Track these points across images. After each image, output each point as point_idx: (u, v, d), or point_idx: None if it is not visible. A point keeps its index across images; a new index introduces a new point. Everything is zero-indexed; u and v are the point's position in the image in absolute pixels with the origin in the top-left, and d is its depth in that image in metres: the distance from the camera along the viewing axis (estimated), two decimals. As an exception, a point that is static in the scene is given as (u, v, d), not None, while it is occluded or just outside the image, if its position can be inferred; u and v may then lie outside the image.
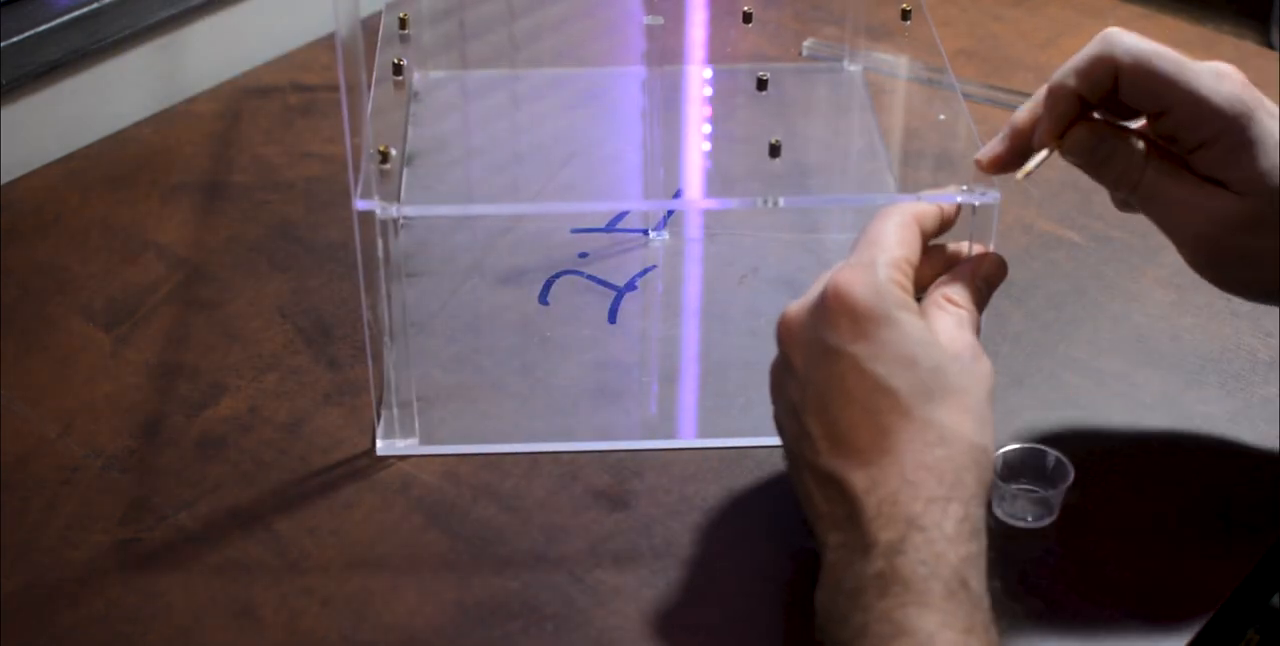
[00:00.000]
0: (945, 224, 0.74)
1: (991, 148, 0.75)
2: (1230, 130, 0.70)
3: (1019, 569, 0.73)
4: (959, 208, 0.74)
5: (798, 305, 0.70)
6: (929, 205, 0.73)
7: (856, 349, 0.66)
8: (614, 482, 0.79)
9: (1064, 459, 0.75)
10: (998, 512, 0.75)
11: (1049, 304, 0.90)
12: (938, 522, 0.64)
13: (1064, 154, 0.74)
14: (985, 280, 0.73)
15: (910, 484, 0.64)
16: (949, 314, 0.70)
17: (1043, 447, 0.76)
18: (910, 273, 0.70)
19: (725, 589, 0.73)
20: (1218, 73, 0.71)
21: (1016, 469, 0.76)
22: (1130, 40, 0.71)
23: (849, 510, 0.65)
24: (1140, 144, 0.73)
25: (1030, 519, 0.75)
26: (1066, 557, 0.74)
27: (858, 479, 0.65)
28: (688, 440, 0.81)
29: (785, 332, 0.70)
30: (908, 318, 0.67)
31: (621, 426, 0.82)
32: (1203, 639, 0.71)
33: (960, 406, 0.67)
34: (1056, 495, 0.75)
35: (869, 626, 0.62)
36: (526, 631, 0.71)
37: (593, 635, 0.71)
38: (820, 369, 0.67)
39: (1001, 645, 0.64)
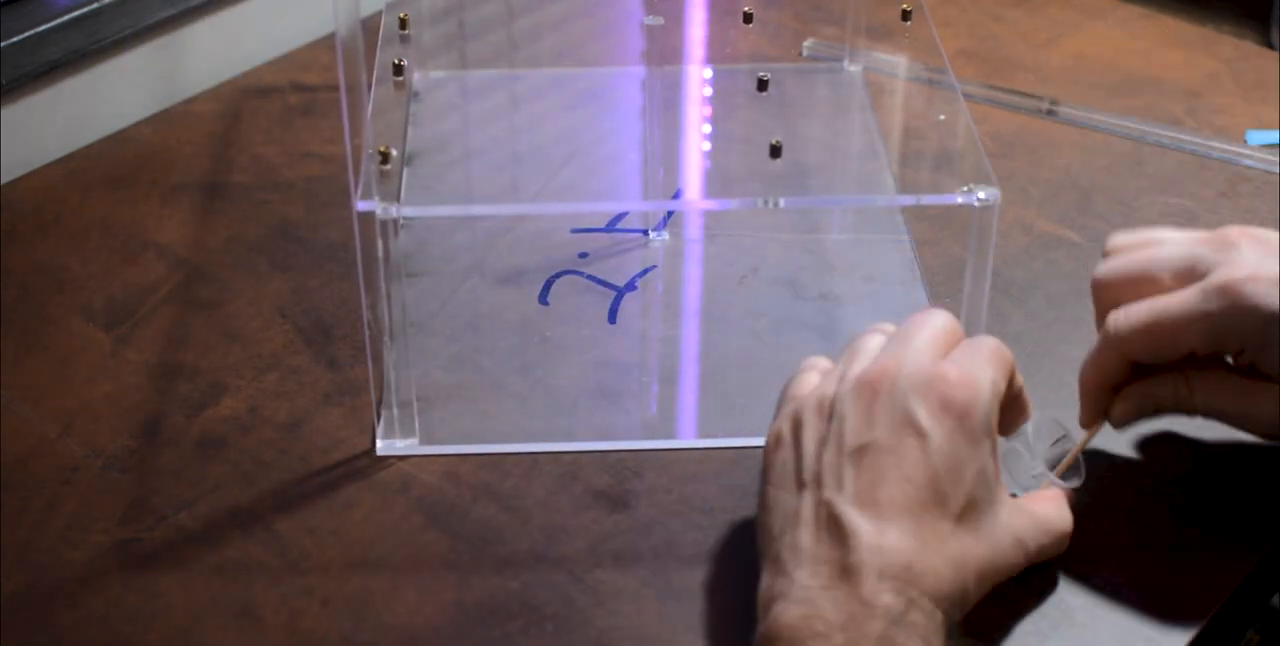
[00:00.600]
0: (1018, 410, 0.73)
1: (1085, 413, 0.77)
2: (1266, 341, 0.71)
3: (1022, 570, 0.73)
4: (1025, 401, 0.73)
5: (898, 356, 0.69)
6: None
7: (934, 434, 0.66)
8: (614, 482, 0.79)
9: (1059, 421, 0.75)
10: (1017, 480, 0.75)
11: (1049, 304, 0.90)
12: (930, 614, 0.64)
13: (1118, 428, 0.77)
14: (1048, 547, 0.72)
15: (916, 573, 0.64)
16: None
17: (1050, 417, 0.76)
18: (1002, 401, 0.70)
19: (725, 589, 0.73)
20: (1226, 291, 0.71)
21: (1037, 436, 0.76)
22: (1138, 343, 0.73)
23: (848, 562, 0.64)
24: (1177, 380, 0.75)
25: (1064, 478, 0.74)
26: (1067, 557, 0.74)
27: (871, 538, 0.64)
28: (688, 440, 0.81)
29: (876, 380, 0.68)
30: (988, 442, 0.67)
31: (621, 426, 0.82)
32: (1203, 639, 0.71)
33: (980, 548, 0.67)
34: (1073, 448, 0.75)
35: None
36: (526, 631, 0.71)
37: (593, 635, 0.71)
38: (891, 430, 0.66)
39: None
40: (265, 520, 0.76)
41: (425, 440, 0.80)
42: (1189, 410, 0.75)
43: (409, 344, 0.80)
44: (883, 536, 0.64)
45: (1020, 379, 0.71)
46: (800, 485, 0.68)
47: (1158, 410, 0.76)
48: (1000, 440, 0.71)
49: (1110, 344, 0.74)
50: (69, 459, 0.80)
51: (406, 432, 0.80)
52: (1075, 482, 0.74)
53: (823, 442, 0.68)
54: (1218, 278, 0.72)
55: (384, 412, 0.80)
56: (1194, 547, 0.75)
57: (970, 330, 0.77)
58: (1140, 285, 0.74)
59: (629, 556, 0.74)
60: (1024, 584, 0.73)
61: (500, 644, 0.70)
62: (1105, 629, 0.71)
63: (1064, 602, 0.72)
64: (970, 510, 0.66)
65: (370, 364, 0.78)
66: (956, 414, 0.66)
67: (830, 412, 0.69)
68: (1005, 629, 0.71)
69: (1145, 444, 0.80)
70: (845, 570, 0.64)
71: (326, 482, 0.78)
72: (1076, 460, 0.75)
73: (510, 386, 0.84)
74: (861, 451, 0.67)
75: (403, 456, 0.80)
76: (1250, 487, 0.78)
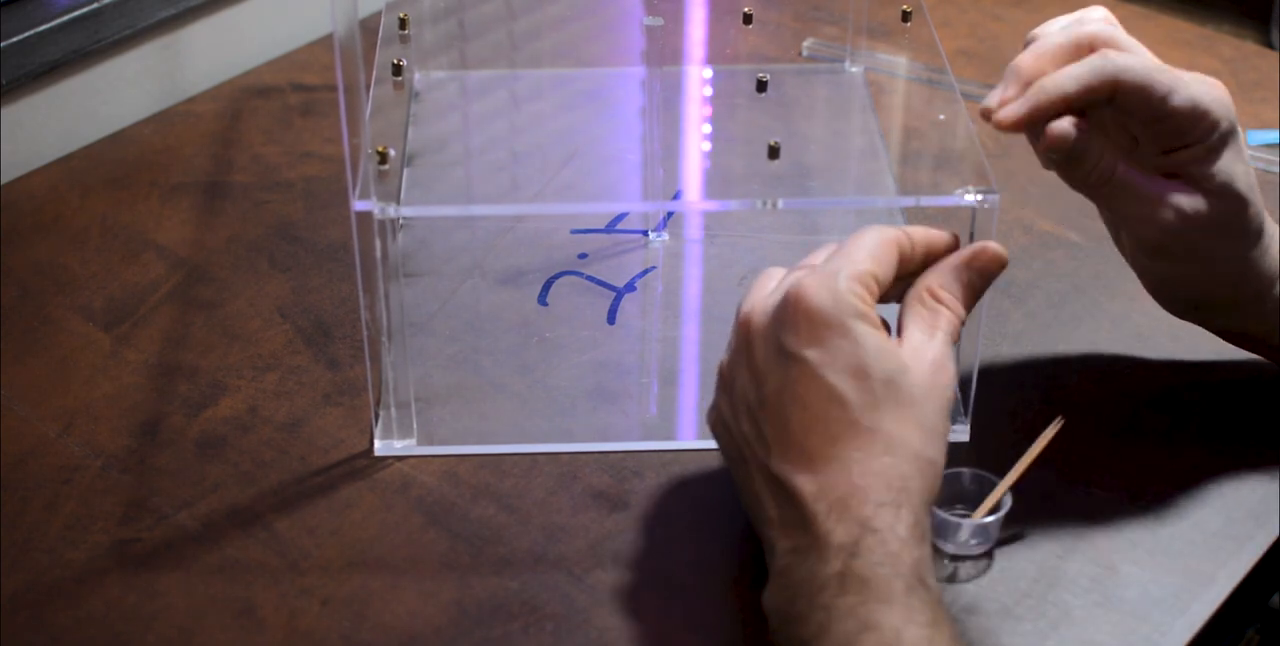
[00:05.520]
0: (932, 253, 0.73)
1: (999, 93, 0.74)
2: (1218, 129, 0.73)
3: (1021, 570, 0.73)
4: (955, 239, 0.73)
5: (760, 302, 0.70)
6: (916, 231, 0.72)
7: (811, 355, 0.67)
8: (614, 482, 0.79)
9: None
10: (933, 539, 0.73)
11: (1049, 303, 0.90)
12: (890, 525, 0.65)
13: (1045, 149, 0.73)
14: (979, 273, 0.72)
15: (858, 489, 0.66)
16: (923, 317, 0.70)
17: (985, 474, 0.75)
18: (875, 288, 0.70)
19: (725, 589, 0.73)
20: (1207, 81, 0.73)
21: (953, 494, 0.75)
22: (1130, 60, 0.72)
23: (799, 514, 0.66)
24: (1106, 143, 0.74)
25: (969, 544, 0.74)
26: (1067, 558, 0.74)
27: (806, 484, 0.66)
28: (687, 441, 0.81)
29: (745, 327, 0.70)
30: (863, 327, 0.68)
31: (621, 427, 0.82)
32: (1203, 639, 0.71)
33: (909, 418, 0.67)
34: (994, 524, 0.73)
35: (830, 624, 0.63)
36: (526, 631, 0.71)
37: (593, 635, 0.71)
38: (776, 371, 0.68)
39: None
40: (265, 520, 0.76)
41: (424, 440, 0.80)
42: (1104, 176, 0.74)
43: (408, 344, 0.80)
44: (818, 476, 0.66)
45: (918, 250, 0.71)
46: (743, 461, 0.70)
47: (1083, 153, 0.73)
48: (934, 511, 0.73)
49: (1108, 71, 0.72)
50: (69, 459, 0.80)
51: (405, 433, 0.80)
52: (999, 515, 0.73)
53: (736, 413, 0.71)
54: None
55: (382, 413, 0.80)
56: (1194, 547, 0.75)
57: (968, 330, 0.77)
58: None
59: (629, 556, 0.74)
60: (1024, 582, 0.73)
61: (500, 644, 0.70)
62: (1105, 629, 0.71)
63: (1064, 602, 0.72)
64: (890, 387, 0.67)
65: (368, 364, 0.78)
66: (819, 320, 0.67)
67: (731, 381, 0.71)
68: (1006, 629, 0.71)
69: (1145, 444, 0.80)
70: (803, 523, 0.66)
71: (326, 482, 0.79)
72: (1001, 496, 0.74)
73: (509, 387, 0.84)
74: (763, 405, 0.69)
75: (402, 456, 0.80)
76: (1250, 487, 0.78)
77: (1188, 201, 0.74)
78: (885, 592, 0.63)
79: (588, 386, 0.84)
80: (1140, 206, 0.74)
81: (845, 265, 0.69)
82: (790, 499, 0.67)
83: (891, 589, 0.63)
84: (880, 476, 0.66)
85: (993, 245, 0.72)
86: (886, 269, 0.70)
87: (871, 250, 0.70)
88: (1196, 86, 0.72)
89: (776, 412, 0.68)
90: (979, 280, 0.72)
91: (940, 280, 0.71)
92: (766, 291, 0.71)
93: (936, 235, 0.73)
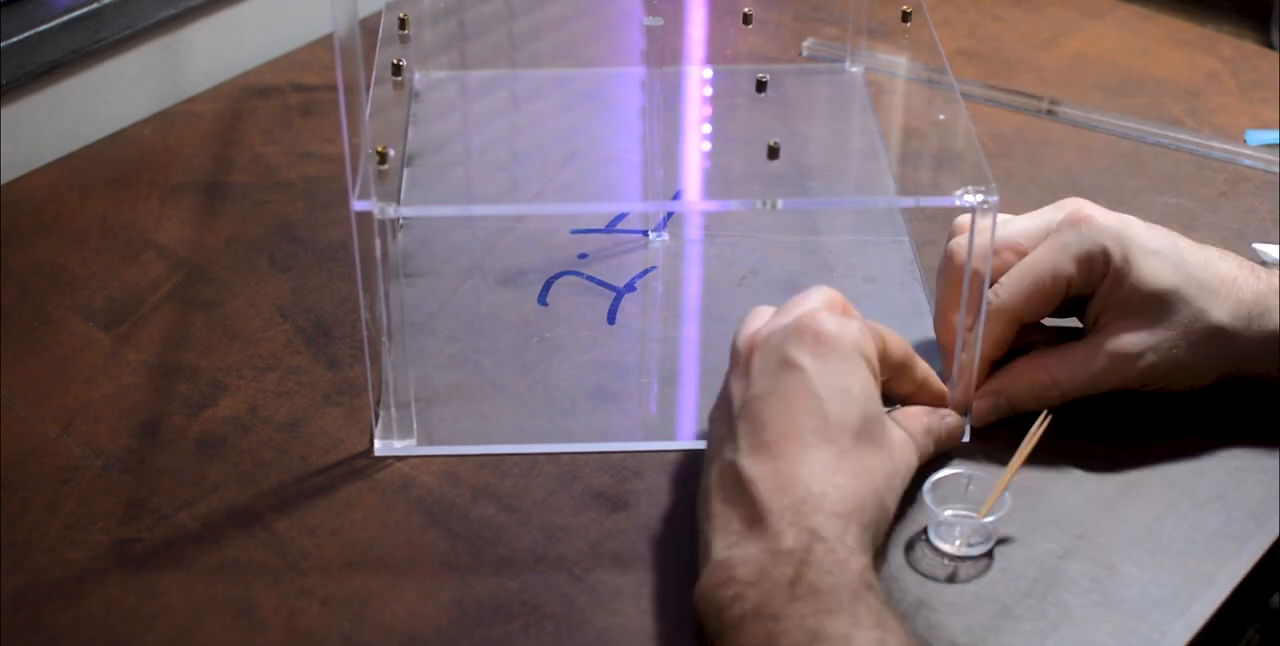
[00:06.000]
0: (924, 388, 0.77)
1: (969, 322, 0.77)
2: (1111, 263, 0.77)
3: (1021, 570, 0.73)
4: (943, 397, 0.78)
5: (766, 327, 0.73)
6: (922, 364, 0.77)
7: (810, 364, 0.70)
8: (614, 482, 0.79)
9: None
10: (933, 540, 0.74)
11: (1049, 304, 0.90)
12: (839, 535, 0.66)
13: (977, 426, 0.80)
14: (948, 435, 0.77)
15: (814, 496, 0.67)
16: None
17: (985, 474, 0.75)
18: (878, 350, 0.73)
19: (725, 589, 0.73)
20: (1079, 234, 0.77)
21: (950, 494, 0.75)
22: (1028, 306, 0.78)
23: (751, 512, 0.67)
24: (1033, 368, 0.79)
25: (965, 545, 0.74)
26: (1066, 559, 0.74)
27: (767, 481, 0.68)
28: (687, 441, 0.81)
29: (750, 341, 0.73)
30: (864, 364, 0.71)
31: (621, 427, 0.82)
32: (1203, 639, 0.71)
33: (880, 458, 0.70)
34: (994, 524, 0.73)
35: (778, 634, 0.63)
36: (526, 631, 0.71)
37: (593, 635, 0.71)
38: (770, 376, 0.70)
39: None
40: (265, 520, 0.76)
41: (424, 440, 0.80)
42: (1049, 399, 0.78)
43: (408, 344, 0.80)
44: (778, 475, 0.68)
45: (907, 351, 0.76)
46: (710, 462, 0.71)
47: (1014, 410, 0.79)
48: (933, 512, 0.74)
49: (1002, 316, 0.77)
50: (69, 459, 0.80)
51: (405, 433, 0.80)
52: (999, 515, 0.73)
53: (720, 421, 0.72)
54: (1063, 219, 0.77)
55: (382, 413, 0.80)
56: (1194, 547, 0.75)
57: (969, 330, 0.77)
58: (1001, 254, 0.78)
59: (629, 556, 0.74)
60: (1024, 582, 0.73)
61: (500, 644, 0.70)
62: (1105, 629, 0.71)
63: (1064, 602, 0.72)
64: (870, 424, 0.70)
65: (368, 364, 0.78)
66: (828, 341, 0.70)
67: (722, 399, 0.73)
68: (1005, 629, 0.71)
69: (1145, 445, 0.80)
70: (752, 520, 0.67)
71: (326, 482, 0.79)
72: (1001, 495, 0.74)
73: (509, 387, 0.84)
74: (747, 406, 0.70)
75: (402, 456, 0.80)
76: (1251, 487, 0.78)
77: (1134, 341, 0.77)
78: (833, 601, 0.63)
79: (588, 386, 0.84)
80: (1104, 380, 0.78)
81: (864, 321, 0.73)
82: (745, 495, 0.68)
83: (838, 597, 0.64)
84: (839, 489, 0.67)
85: (960, 418, 0.78)
86: (896, 349, 0.74)
87: (889, 331, 0.74)
88: (1077, 268, 0.76)
89: (757, 412, 0.70)
90: (932, 443, 0.77)
91: (902, 418, 0.76)
92: (762, 322, 0.74)
93: (934, 382, 0.78)
